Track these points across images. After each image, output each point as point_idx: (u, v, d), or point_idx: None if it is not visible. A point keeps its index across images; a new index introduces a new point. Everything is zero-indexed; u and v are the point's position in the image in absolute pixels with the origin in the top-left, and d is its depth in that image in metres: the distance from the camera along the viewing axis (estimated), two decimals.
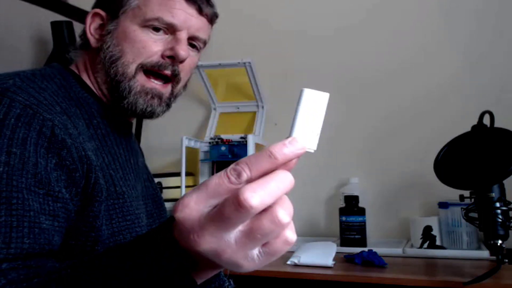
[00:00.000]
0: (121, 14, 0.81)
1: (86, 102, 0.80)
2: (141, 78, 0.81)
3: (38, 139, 0.64)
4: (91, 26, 0.84)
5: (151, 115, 0.83)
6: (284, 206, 0.40)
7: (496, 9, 1.58)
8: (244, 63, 1.61)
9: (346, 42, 1.73)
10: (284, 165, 0.41)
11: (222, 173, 0.40)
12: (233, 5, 1.85)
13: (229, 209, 0.38)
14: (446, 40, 1.62)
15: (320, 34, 1.75)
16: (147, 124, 1.90)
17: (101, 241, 0.70)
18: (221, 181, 0.40)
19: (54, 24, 1.69)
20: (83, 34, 0.85)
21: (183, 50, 0.81)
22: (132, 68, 0.80)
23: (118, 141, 0.84)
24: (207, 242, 0.40)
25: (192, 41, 0.85)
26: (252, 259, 0.41)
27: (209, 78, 1.73)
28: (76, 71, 0.84)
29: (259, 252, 0.41)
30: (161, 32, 0.81)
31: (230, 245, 0.40)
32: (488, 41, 1.58)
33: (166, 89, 0.83)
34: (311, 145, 0.42)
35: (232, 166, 0.40)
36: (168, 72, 0.81)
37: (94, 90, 0.84)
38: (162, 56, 0.81)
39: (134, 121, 2.00)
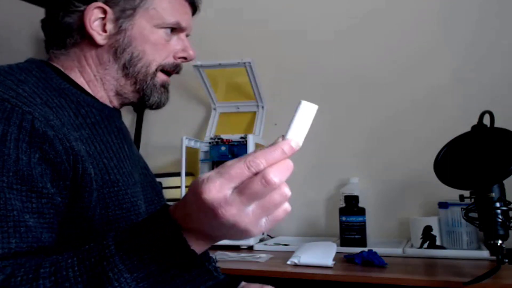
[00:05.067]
0: (136, 13, 0.81)
1: (70, 92, 0.78)
2: (161, 75, 0.86)
3: (19, 134, 0.63)
4: (92, 21, 0.79)
5: (163, 106, 0.90)
6: (286, 184, 0.52)
7: (496, 9, 1.58)
8: (244, 63, 1.61)
9: (346, 42, 1.73)
10: None
11: (241, 164, 0.50)
12: (233, 5, 1.85)
13: (257, 186, 0.49)
14: (446, 40, 1.62)
15: (320, 35, 1.75)
16: (147, 124, 1.90)
17: (94, 230, 0.70)
18: (243, 171, 0.50)
19: None
20: (78, 29, 0.80)
21: (193, 51, 0.88)
22: (152, 68, 0.84)
23: (109, 129, 0.82)
24: (232, 215, 0.50)
25: None
26: (261, 226, 0.52)
27: (209, 78, 1.73)
28: (61, 69, 0.81)
29: (266, 220, 0.52)
30: (168, 32, 0.85)
31: (248, 215, 0.50)
32: (488, 41, 1.58)
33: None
34: (301, 143, 0.54)
35: (250, 158, 0.50)
36: (178, 71, 0.89)
37: (87, 89, 0.82)
38: (174, 57, 0.87)
39: (134, 117, 1.99)
